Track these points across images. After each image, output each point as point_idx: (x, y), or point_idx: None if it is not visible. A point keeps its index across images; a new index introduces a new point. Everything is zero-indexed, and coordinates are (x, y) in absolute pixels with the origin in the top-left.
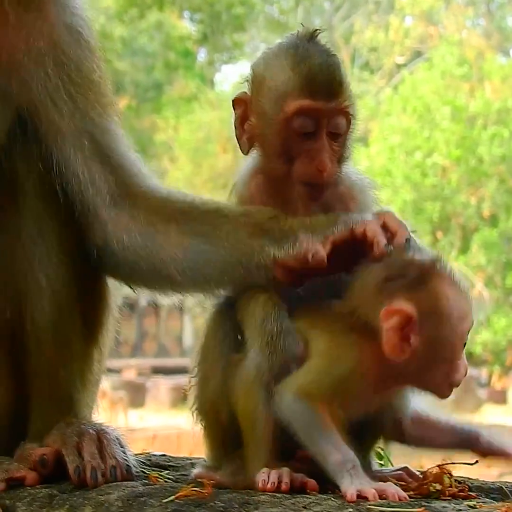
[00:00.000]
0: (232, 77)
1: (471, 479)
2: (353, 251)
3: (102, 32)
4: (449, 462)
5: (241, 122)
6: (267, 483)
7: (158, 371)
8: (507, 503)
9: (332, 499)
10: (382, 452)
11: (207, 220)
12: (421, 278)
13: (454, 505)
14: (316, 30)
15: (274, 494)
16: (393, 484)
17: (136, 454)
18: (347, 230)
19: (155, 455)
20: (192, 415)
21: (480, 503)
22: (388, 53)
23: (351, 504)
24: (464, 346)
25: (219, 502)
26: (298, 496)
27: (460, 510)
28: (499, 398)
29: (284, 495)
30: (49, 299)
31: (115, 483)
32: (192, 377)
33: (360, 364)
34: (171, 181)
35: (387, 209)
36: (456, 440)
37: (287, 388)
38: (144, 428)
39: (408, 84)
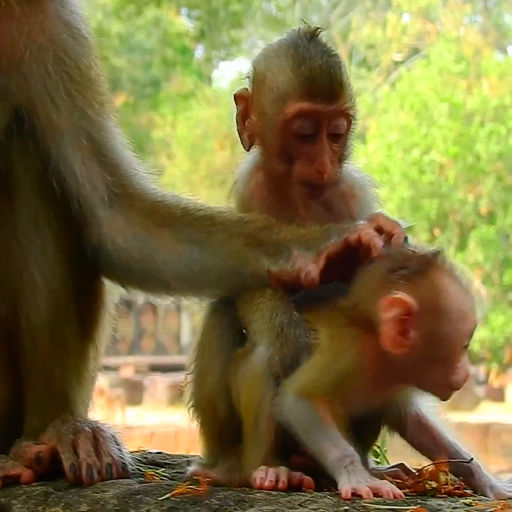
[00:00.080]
0: (230, 74)
1: None
2: (348, 260)
3: (99, 29)
4: (445, 460)
5: (242, 118)
6: (265, 481)
7: (156, 368)
8: (503, 501)
9: (328, 496)
10: (378, 450)
11: (201, 228)
12: (422, 270)
13: (449, 502)
14: (317, 28)
15: (269, 492)
16: (388, 482)
17: (132, 452)
18: (341, 241)
19: (151, 453)
20: (188, 412)
21: (476, 501)
22: (386, 50)
23: (347, 501)
24: (466, 348)
25: (214, 500)
26: (294, 493)
27: (456, 508)
28: (497, 395)
29: (280, 492)
30: (45, 296)
31: (110, 481)
32: (188, 373)
33: (361, 359)
34: (169, 178)
35: (378, 211)
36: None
37: (288, 389)
38: (141, 425)
39: (405, 81)
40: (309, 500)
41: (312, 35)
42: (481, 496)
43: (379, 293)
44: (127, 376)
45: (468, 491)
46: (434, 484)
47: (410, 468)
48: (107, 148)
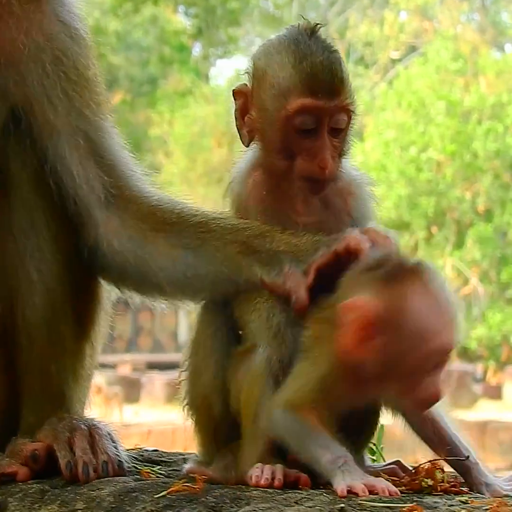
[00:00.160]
0: (227, 71)
1: None
2: (339, 270)
3: (96, 27)
4: (441, 457)
5: (241, 114)
6: (260, 478)
7: (153, 366)
8: (499, 499)
9: (324, 494)
10: (374, 447)
11: (195, 234)
12: (397, 277)
13: (446, 500)
14: (317, 24)
15: (265, 489)
16: (383, 479)
17: (128, 450)
18: (330, 252)
19: (147, 451)
20: (183, 410)
21: (472, 499)
22: (383, 48)
23: (343, 499)
24: (441, 366)
25: (210, 498)
26: (290, 491)
27: (452, 505)
28: (494, 393)
29: (276, 490)
30: (41, 294)
31: (106, 479)
32: (182, 370)
33: (336, 362)
34: (166, 176)
35: (370, 224)
36: (446, 454)
37: (275, 404)
38: (139, 423)
39: (403, 79)
40: (305, 497)
41: (312, 31)
42: (477, 494)
43: (349, 294)
44: (124, 373)
45: (464, 489)
46: (430, 482)
47: (407, 466)
48: (104, 149)
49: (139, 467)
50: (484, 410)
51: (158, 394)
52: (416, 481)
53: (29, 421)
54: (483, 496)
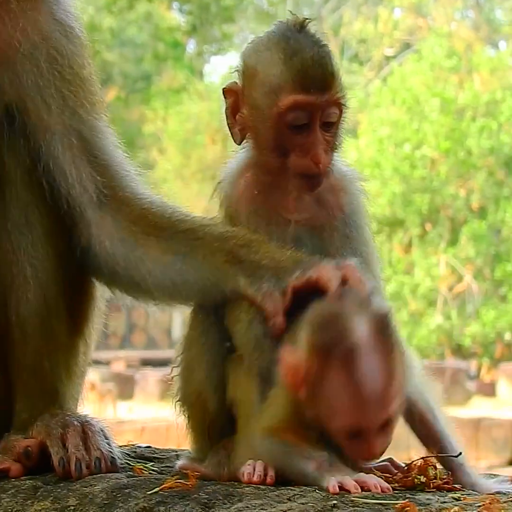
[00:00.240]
0: (221, 68)
1: None
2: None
3: (90, 23)
4: (433, 454)
5: (232, 112)
6: (253, 475)
7: (147, 363)
8: (491, 496)
9: (317, 491)
10: None
11: (184, 241)
12: (332, 348)
13: (438, 497)
14: (306, 19)
15: (258, 486)
16: (374, 475)
17: (121, 446)
18: (305, 278)
19: (140, 447)
20: (176, 406)
21: (465, 496)
22: (377, 45)
23: (335, 496)
24: (369, 432)
25: (203, 494)
26: (283, 488)
27: (445, 502)
28: (488, 390)
29: (269, 487)
30: (35, 290)
31: (99, 475)
32: (175, 366)
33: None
34: (160, 173)
35: (349, 261)
36: (437, 450)
37: (255, 433)
38: (132, 420)
39: (397, 76)
40: (297, 494)
41: (301, 26)
42: (470, 491)
43: (297, 336)
44: (118, 370)
45: (457, 486)
46: (423, 479)
47: (399, 463)
48: (98, 148)
49: (132, 464)
50: (478, 407)
51: (152, 391)
52: (409, 478)
53: (22, 417)
54: (476, 493)
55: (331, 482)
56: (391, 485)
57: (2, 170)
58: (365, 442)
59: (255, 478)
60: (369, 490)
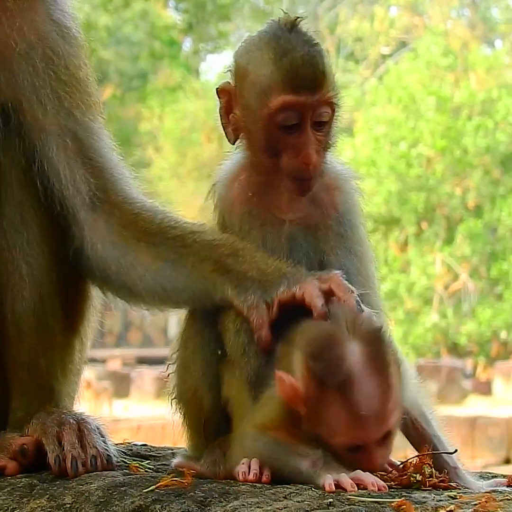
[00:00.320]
0: (217, 66)
1: None
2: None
3: (86, 21)
4: (429, 452)
5: (226, 112)
6: (248, 474)
7: (143, 361)
8: (487, 494)
9: (313, 489)
10: None
11: (173, 248)
12: (329, 375)
13: (434, 495)
14: (297, 18)
15: (254, 484)
16: (371, 474)
17: (117, 444)
18: (290, 294)
19: (136, 445)
20: (171, 403)
21: (461, 494)
22: (373, 43)
23: (331, 494)
24: (370, 448)
25: (199, 492)
26: (278, 486)
27: (441, 500)
28: (484, 389)
29: (265, 485)
30: (30, 288)
31: (95, 473)
32: (171, 363)
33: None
34: (156, 171)
35: (333, 273)
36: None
37: (247, 431)
38: (128, 418)
39: (393, 75)
40: (293, 492)
41: (292, 25)
42: (466, 489)
43: (292, 357)
44: (114, 368)
45: (453, 484)
46: (418, 477)
47: (395, 461)
48: (93, 150)
49: (128, 462)
50: (474, 406)
51: (147, 389)
52: (405, 476)
53: (17, 415)
54: (472, 491)
55: (327, 480)
56: (387, 483)
57: None
58: (366, 455)
59: (250, 477)
60: (365, 488)
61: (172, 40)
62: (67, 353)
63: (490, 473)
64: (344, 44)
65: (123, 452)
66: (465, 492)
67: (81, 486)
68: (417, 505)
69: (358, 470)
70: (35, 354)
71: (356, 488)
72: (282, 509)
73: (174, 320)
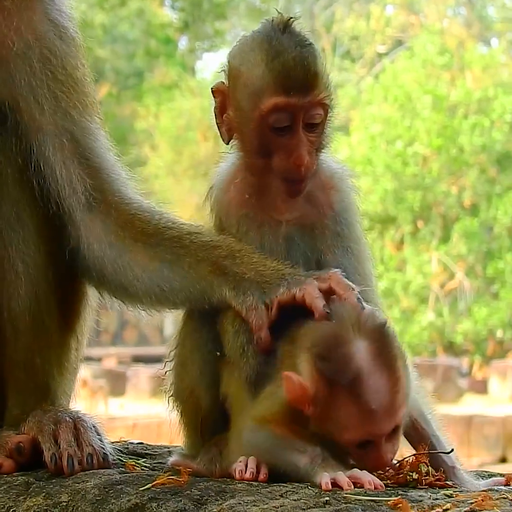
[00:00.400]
0: (213, 65)
1: None
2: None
3: (83, 19)
4: (425, 451)
5: (220, 112)
6: (245, 472)
7: (139, 359)
8: (484, 493)
9: (309, 487)
10: None
11: (170, 249)
12: (336, 374)
13: (430, 494)
14: (290, 18)
15: (251, 482)
16: (368, 472)
17: (113, 442)
18: (290, 295)
19: (132, 443)
20: (168, 401)
21: (457, 492)
22: (369, 42)
23: (328, 492)
24: (379, 443)
25: (195, 490)
26: (275, 484)
27: (437, 499)
28: (480, 388)
29: (261, 483)
30: (26, 286)
31: (91, 471)
32: (168, 361)
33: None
34: (152, 169)
35: (333, 271)
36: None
37: (246, 423)
38: (124, 416)
39: (389, 73)
40: (290, 491)
41: (285, 26)
42: (462, 488)
43: (297, 358)
44: (109, 367)
45: (449, 483)
46: (415, 476)
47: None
48: (89, 150)
49: (124, 460)
50: (470, 405)
51: (143, 387)
52: (401, 475)
53: (14, 413)
54: (468, 490)
55: (324, 479)
56: (383, 482)
57: None
58: (375, 451)
59: (247, 475)
60: (362, 487)
61: (168, 39)
62: (63, 351)
63: (487, 472)
64: (340, 43)
65: (119, 450)
66: (462, 491)
67: (77, 484)
68: (413, 504)
69: (355, 469)
70: (31, 352)
71: (352, 487)
72: (278, 508)
73: (170, 319)
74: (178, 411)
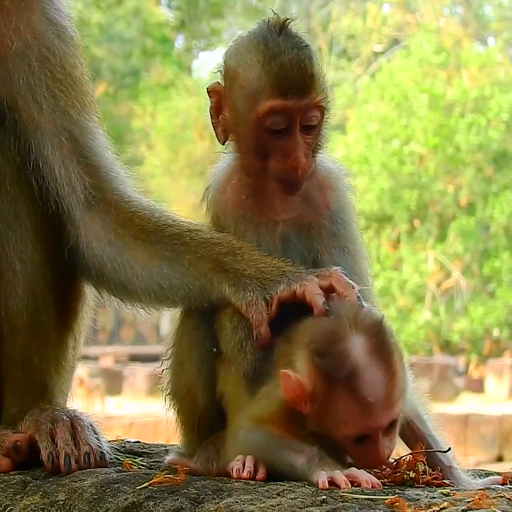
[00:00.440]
0: (210, 64)
1: None
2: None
3: (79, 19)
4: (422, 450)
5: (216, 112)
6: (242, 471)
7: (135, 358)
8: (481, 491)
9: (306, 486)
10: None
11: (170, 246)
12: (334, 371)
13: (427, 492)
14: (287, 19)
15: (248, 481)
16: (365, 471)
17: (110, 441)
18: (290, 291)
19: (129, 442)
20: (165, 400)
21: (454, 491)
22: (366, 40)
23: (325, 491)
24: (377, 437)
25: (192, 489)
26: (272, 483)
27: (434, 497)
28: (476, 386)
29: (258, 482)
30: (24, 285)
31: (88, 470)
32: (165, 359)
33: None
34: (149, 168)
35: (334, 269)
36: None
37: (242, 422)
38: (121, 415)
39: (385, 72)
40: (287, 489)
41: (281, 27)
42: (459, 486)
43: (294, 355)
44: (106, 365)
45: (446, 481)
46: (412, 474)
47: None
48: (88, 149)
49: (121, 459)
50: (466, 404)
51: (140, 386)
52: (398, 474)
53: (11, 412)
54: (465, 488)
55: (321, 478)
56: (380, 480)
57: None
58: (373, 446)
59: (244, 474)
60: (359, 486)
61: (164, 38)
62: (60, 350)
63: (484, 470)
64: (336, 42)
65: (116, 449)
66: (459, 490)
67: (74, 483)
68: (410, 503)
69: (352, 468)
70: (29, 351)
71: (349, 485)
72: (275, 506)
73: (167, 317)
74: (175, 409)
